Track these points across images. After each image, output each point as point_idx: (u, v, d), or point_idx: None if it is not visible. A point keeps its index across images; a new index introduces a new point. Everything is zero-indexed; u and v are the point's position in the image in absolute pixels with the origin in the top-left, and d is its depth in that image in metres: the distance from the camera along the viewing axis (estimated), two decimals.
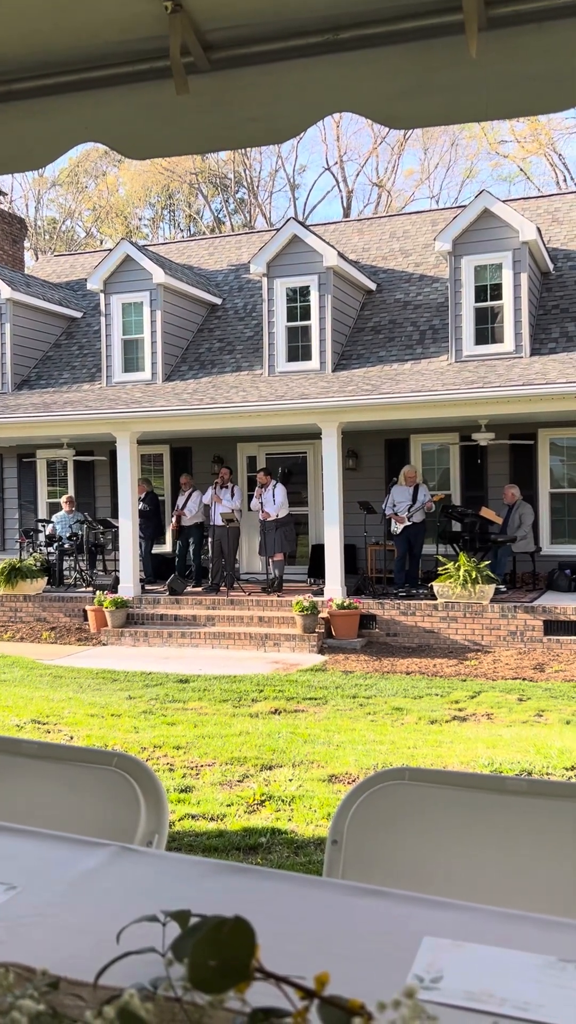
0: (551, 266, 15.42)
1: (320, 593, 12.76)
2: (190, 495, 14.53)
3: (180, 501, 14.60)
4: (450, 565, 12.08)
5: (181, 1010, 1.01)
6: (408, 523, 12.93)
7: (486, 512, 13.06)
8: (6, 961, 1.17)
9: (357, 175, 38.67)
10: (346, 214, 37.15)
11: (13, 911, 1.39)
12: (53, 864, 1.57)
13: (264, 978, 0.97)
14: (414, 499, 13.05)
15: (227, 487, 13.89)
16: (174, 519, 14.84)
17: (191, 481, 14.85)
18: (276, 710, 8.54)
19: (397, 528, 13.03)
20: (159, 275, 15.75)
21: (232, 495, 13.87)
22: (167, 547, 15.74)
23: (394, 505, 13.08)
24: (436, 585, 12.15)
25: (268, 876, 1.55)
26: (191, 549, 14.63)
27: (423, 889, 1.59)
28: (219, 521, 13.68)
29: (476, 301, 14.16)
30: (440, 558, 12.63)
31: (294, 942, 1.29)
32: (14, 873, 1.52)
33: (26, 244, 26.18)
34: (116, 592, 13.46)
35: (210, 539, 14.07)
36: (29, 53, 2.12)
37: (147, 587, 14.40)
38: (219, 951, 0.95)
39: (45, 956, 1.22)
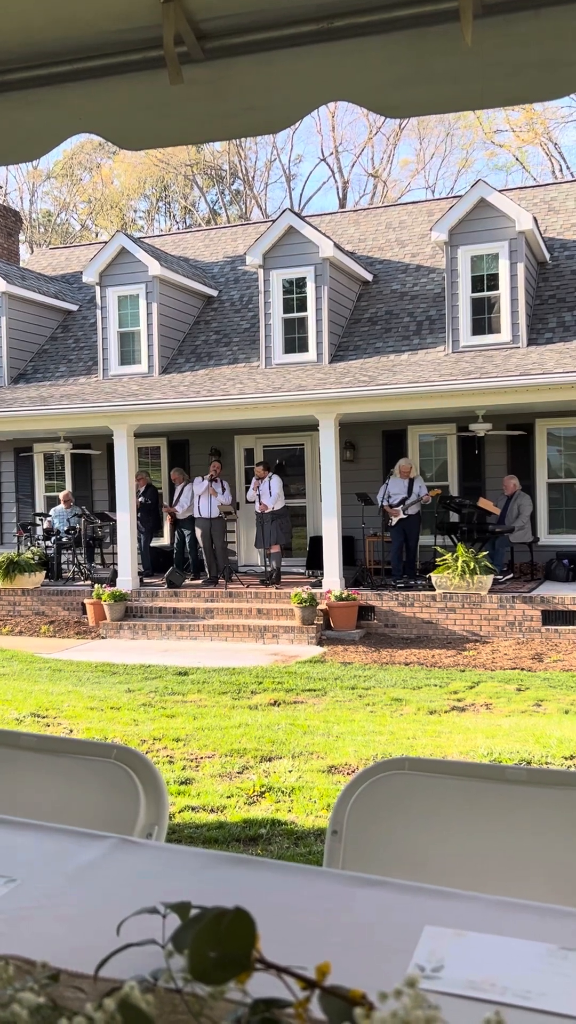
0: (547, 256, 15.40)
1: (318, 585, 12.77)
2: (182, 489, 14.51)
3: (175, 496, 14.60)
4: (448, 556, 12.09)
5: (182, 1001, 1.01)
6: (403, 516, 12.93)
7: (484, 503, 13.06)
8: (6, 954, 1.17)
9: (353, 166, 38.69)
10: (342, 205, 37.07)
11: (13, 904, 1.39)
12: (53, 856, 1.57)
13: (265, 969, 0.97)
14: (409, 492, 13.04)
15: (217, 480, 13.85)
16: (168, 516, 14.83)
17: (182, 476, 14.82)
18: (275, 702, 8.55)
19: (392, 520, 13.03)
20: (155, 267, 15.71)
21: (223, 489, 13.83)
22: (166, 540, 15.74)
23: (388, 497, 13.07)
24: (434, 576, 12.16)
25: (268, 867, 1.55)
26: (187, 542, 14.62)
27: (424, 878, 1.59)
28: (205, 514, 13.66)
29: (473, 291, 14.14)
30: (438, 549, 12.63)
31: (295, 933, 1.29)
32: (14, 866, 1.52)
33: (21, 237, 26.11)
34: (114, 585, 13.46)
35: (200, 532, 14.01)
36: (22, 43, 2.10)
37: (146, 580, 14.40)
38: (219, 942, 0.95)
39: (45, 949, 1.22)
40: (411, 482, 13.11)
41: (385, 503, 13.05)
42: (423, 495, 12.99)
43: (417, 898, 1.40)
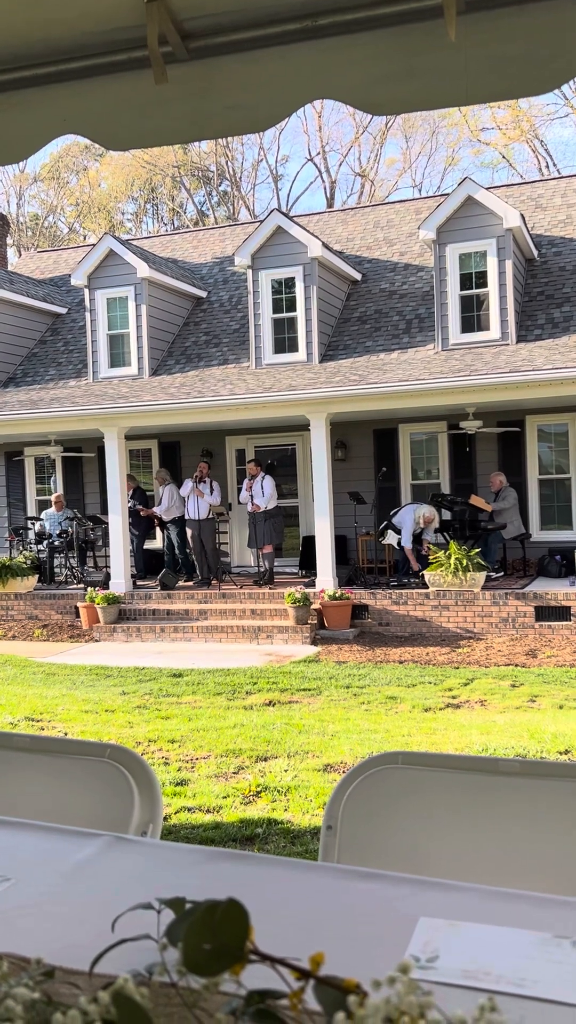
0: (535, 252, 15.43)
1: (312, 584, 12.77)
2: (164, 490, 14.49)
3: (158, 497, 14.58)
4: (441, 554, 12.10)
5: (177, 994, 1.01)
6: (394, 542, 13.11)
7: (475, 500, 13.08)
8: (1, 952, 1.17)
9: (340, 165, 38.69)
10: (329, 204, 37.09)
11: (8, 902, 1.39)
12: (47, 855, 1.57)
13: (259, 960, 0.97)
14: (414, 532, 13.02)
15: (205, 481, 13.81)
16: (156, 520, 14.82)
17: (163, 477, 14.79)
18: (270, 702, 8.55)
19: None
20: (143, 269, 15.70)
21: (212, 490, 13.81)
22: (158, 542, 15.72)
23: (398, 533, 13.04)
24: (427, 574, 12.18)
25: (263, 862, 1.55)
26: (176, 544, 14.60)
27: (418, 871, 1.60)
28: (194, 515, 13.65)
29: (461, 289, 14.16)
30: (431, 547, 12.65)
31: (290, 925, 1.29)
32: (9, 865, 1.53)
33: (8, 241, 26.06)
34: (107, 588, 13.44)
35: (190, 533, 14.01)
36: (4, 46, 2.10)
37: (139, 582, 14.38)
38: (213, 934, 0.95)
39: (40, 946, 1.22)
40: (425, 528, 13.00)
41: (408, 544, 12.92)
42: (428, 541, 12.96)
43: (412, 890, 1.41)
